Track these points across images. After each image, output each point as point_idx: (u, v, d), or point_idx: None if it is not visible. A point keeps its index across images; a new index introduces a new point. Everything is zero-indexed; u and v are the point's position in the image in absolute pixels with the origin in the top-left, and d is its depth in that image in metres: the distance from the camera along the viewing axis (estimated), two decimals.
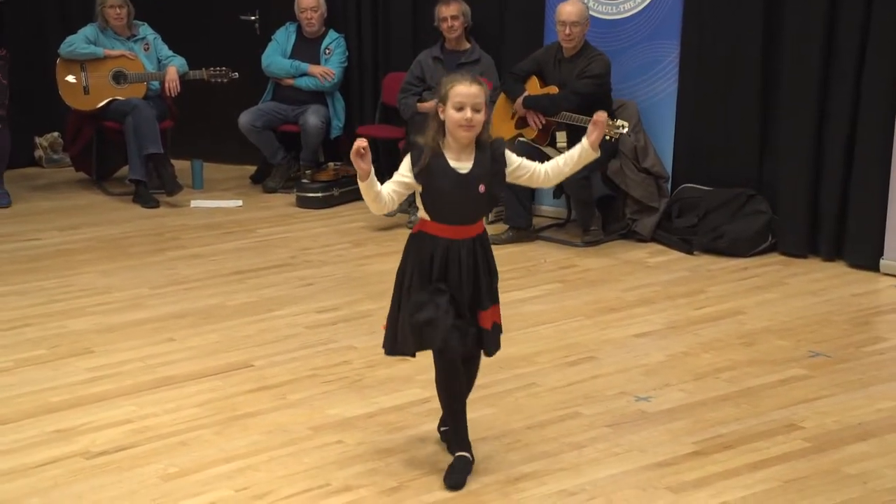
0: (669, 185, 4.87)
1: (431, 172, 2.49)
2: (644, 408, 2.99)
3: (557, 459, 2.69)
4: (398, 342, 2.62)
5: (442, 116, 2.49)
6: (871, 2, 4.09)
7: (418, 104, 5.27)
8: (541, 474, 2.62)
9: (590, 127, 2.55)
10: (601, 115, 2.55)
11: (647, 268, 4.44)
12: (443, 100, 2.48)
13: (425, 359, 3.39)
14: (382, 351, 2.69)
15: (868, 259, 4.20)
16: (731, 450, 2.73)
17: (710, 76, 4.71)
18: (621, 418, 2.93)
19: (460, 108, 2.45)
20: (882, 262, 4.17)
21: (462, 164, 2.51)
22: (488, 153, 2.53)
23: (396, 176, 2.53)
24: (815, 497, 2.48)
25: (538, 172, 2.62)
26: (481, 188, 2.50)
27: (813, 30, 4.28)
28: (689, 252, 4.58)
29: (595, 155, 2.54)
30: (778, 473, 2.60)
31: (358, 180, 2.48)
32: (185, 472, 2.64)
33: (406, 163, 2.51)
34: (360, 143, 2.43)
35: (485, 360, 3.36)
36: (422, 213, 2.55)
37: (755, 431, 2.83)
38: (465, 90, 2.45)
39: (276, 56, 5.79)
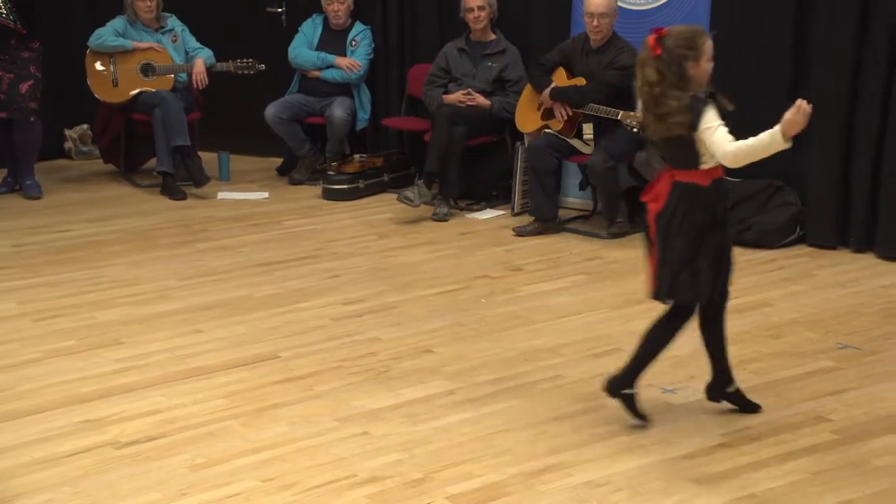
0: None
1: None
2: (670, 399, 2.98)
3: (583, 451, 2.69)
4: (697, 288, 2.68)
5: (692, 72, 2.60)
6: None
7: (444, 96, 5.27)
8: (566, 465, 2.62)
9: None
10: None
11: None
12: (696, 57, 2.59)
13: (451, 350, 3.42)
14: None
15: None
16: (758, 442, 2.71)
17: (739, 67, 4.65)
18: (647, 410, 2.91)
19: (710, 60, 2.62)
20: None
21: None
22: None
23: (722, 126, 2.58)
24: (843, 489, 2.46)
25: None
26: None
27: (844, 18, 4.21)
28: None
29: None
30: (805, 465, 2.58)
31: (780, 142, 2.51)
32: (213, 462, 2.67)
33: (714, 112, 2.58)
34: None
35: (511, 353, 3.38)
36: (715, 161, 2.63)
37: (782, 423, 2.81)
38: (711, 42, 2.63)
39: (303, 48, 5.81)
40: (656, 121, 2.65)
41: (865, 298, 3.79)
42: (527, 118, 5.01)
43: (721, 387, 2.87)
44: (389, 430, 2.84)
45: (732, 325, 3.55)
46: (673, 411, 2.91)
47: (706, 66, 2.62)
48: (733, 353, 3.31)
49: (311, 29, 5.86)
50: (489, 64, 5.26)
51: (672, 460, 2.64)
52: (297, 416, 2.94)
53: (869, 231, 4.28)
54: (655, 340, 2.79)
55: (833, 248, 4.39)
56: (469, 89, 5.21)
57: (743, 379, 3.11)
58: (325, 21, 5.84)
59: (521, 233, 4.83)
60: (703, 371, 3.17)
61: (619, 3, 4.80)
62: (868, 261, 4.23)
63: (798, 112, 2.49)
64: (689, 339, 3.46)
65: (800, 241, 4.48)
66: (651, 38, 2.63)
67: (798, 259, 4.32)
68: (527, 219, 4.96)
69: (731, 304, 3.75)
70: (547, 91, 4.80)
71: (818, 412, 2.86)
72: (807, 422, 2.81)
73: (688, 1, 4.77)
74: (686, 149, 2.64)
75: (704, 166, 2.65)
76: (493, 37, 5.31)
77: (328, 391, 3.10)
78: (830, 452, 2.64)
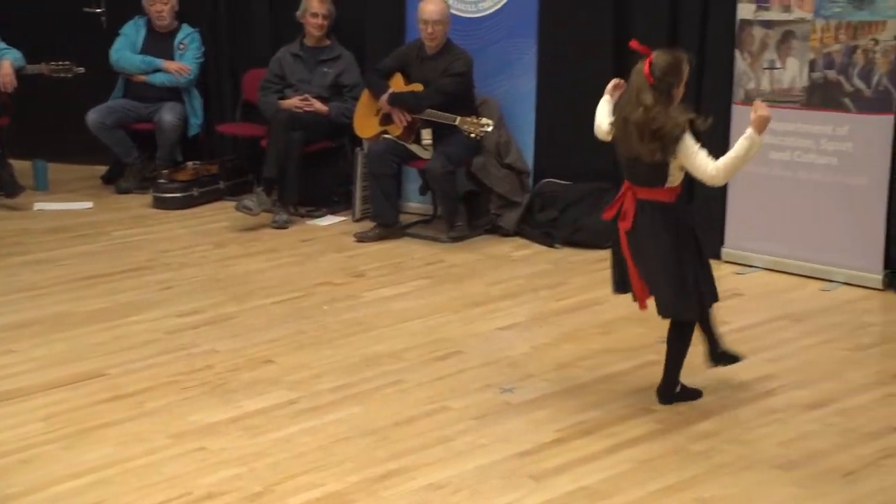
0: (531, 180, 4.98)
1: None
2: (509, 399, 3.05)
3: (425, 454, 2.70)
4: (704, 300, 2.87)
5: (675, 95, 2.77)
6: (707, 8, 4.32)
7: (280, 101, 5.17)
8: (408, 469, 2.62)
9: None
10: None
11: (512, 261, 4.53)
12: (679, 83, 2.77)
13: (292, 359, 3.35)
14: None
15: (711, 247, 4.42)
16: (590, 435, 2.81)
17: (566, 73, 4.84)
18: (487, 410, 2.97)
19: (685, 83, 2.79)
20: (723, 250, 4.42)
21: None
22: None
23: (702, 149, 2.75)
24: (665, 476, 2.59)
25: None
26: None
27: (657, 31, 4.46)
28: (551, 245, 4.71)
29: None
30: (633, 455, 2.70)
31: (758, 142, 2.69)
32: (29, 490, 2.48)
33: (692, 139, 2.73)
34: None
35: (353, 359, 3.36)
36: (678, 181, 2.81)
37: (612, 416, 2.93)
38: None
39: (126, 51, 5.54)
40: (650, 140, 2.75)
41: None
42: (365, 124, 5.00)
43: (716, 350, 3.04)
44: (227, 444, 2.75)
45: (566, 323, 3.71)
46: (511, 410, 2.98)
47: (682, 89, 2.80)
48: (568, 350, 3.45)
49: (133, 31, 5.59)
50: (325, 69, 5.22)
51: (510, 458, 2.69)
52: (126, 435, 2.78)
53: None
54: (678, 346, 2.93)
55: None
56: (306, 95, 5.15)
57: (576, 375, 3.24)
58: (149, 23, 5.60)
59: (362, 238, 4.81)
60: (541, 370, 3.27)
61: (452, 11, 4.88)
62: None
63: (762, 108, 2.69)
64: (525, 339, 3.57)
65: None
66: (645, 69, 2.76)
67: None
68: (368, 224, 4.95)
69: (565, 303, 3.95)
70: (385, 97, 4.81)
71: (644, 403, 3.01)
72: (634, 413, 2.95)
73: (517, 9, 4.92)
74: (658, 169, 2.78)
75: (669, 185, 2.80)
76: (327, 42, 5.27)
77: (161, 407, 2.97)
78: (655, 441, 2.78)
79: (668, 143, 2.73)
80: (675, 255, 2.80)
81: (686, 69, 2.79)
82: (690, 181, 2.97)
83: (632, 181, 2.87)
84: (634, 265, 2.88)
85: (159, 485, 2.51)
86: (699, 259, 2.87)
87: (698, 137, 2.77)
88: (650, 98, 2.74)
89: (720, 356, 3.08)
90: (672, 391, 2.98)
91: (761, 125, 2.68)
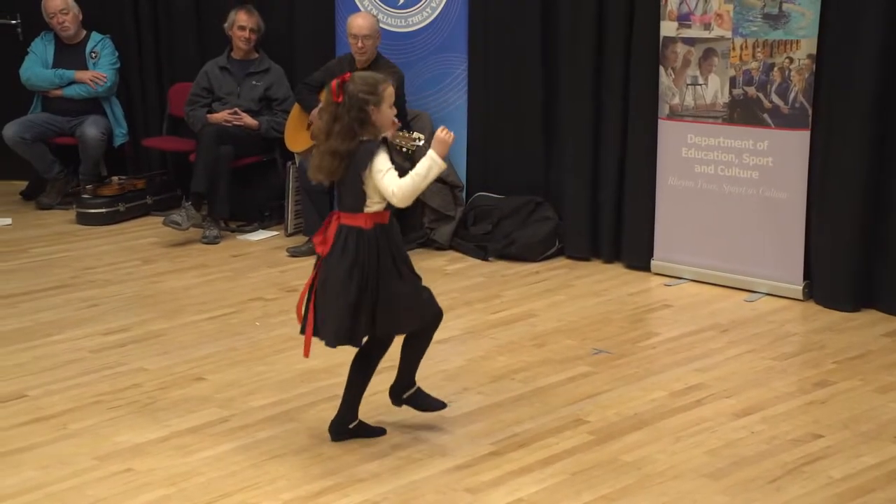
0: (464, 194, 5.01)
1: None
2: (444, 412, 3.04)
3: (360, 470, 2.68)
4: (402, 322, 2.78)
5: (374, 116, 2.66)
6: (632, 25, 4.43)
7: (208, 115, 5.10)
8: (343, 486, 2.60)
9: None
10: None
11: (446, 275, 4.54)
12: (377, 102, 2.66)
13: (223, 376, 3.29)
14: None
15: (641, 260, 4.54)
16: (524, 448, 2.83)
17: (497, 89, 4.90)
18: (423, 424, 2.96)
19: (391, 106, 2.70)
20: (653, 262, 4.52)
21: None
22: None
23: (392, 170, 2.67)
24: (598, 486, 2.62)
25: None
26: None
27: (584, 45, 4.56)
28: (485, 258, 4.74)
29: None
30: (566, 467, 2.72)
31: (439, 164, 2.67)
32: None
33: (385, 156, 2.67)
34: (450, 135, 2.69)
35: (287, 375, 3.32)
36: (378, 206, 2.70)
37: (546, 428, 2.95)
38: (392, 89, 2.70)
39: (36, 68, 5.39)
40: (330, 160, 2.65)
41: (615, 306, 4.11)
42: (296, 138, 4.97)
43: (346, 424, 2.87)
44: (156, 464, 2.68)
45: (501, 336, 3.74)
46: (447, 424, 2.98)
47: (388, 112, 2.69)
48: (503, 363, 3.47)
49: (41, 47, 5.46)
50: (254, 82, 5.17)
51: (445, 472, 2.69)
52: (48, 458, 2.69)
53: (616, 243, 4.66)
54: (358, 378, 2.85)
55: (587, 259, 4.73)
56: (236, 108, 5.09)
57: (511, 388, 3.26)
58: (57, 37, 5.45)
59: (295, 253, 4.77)
60: (476, 383, 3.29)
61: (382, 25, 4.89)
62: (616, 270, 4.59)
63: (444, 133, 2.69)
64: (460, 353, 3.58)
65: (559, 253, 4.78)
66: (334, 84, 2.66)
67: (558, 271, 4.61)
68: (301, 239, 4.91)
69: (499, 316, 3.98)
70: (315, 111, 4.79)
71: (577, 415, 3.04)
72: (567, 425, 2.98)
73: (447, 24, 4.97)
74: (354, 191, 2.66)
75: (368, 210, 2.68)
76: (256, 55, 5.23)
77: (85, 428, 2.88)
78: (587, 453, 2.81)
79: (352, 163, 2.63)
80: (350, 282, 2.65)
81: (385, 91, 2.67)
82: None
83: (338, 207, 2.80)
84: (316, 293, 2.72)
85: None
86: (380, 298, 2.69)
87: (397, 159, 2.70)
88: (331, 117, 2.64)
89: (404, 398, 2.90)
90: (348, 424, 2.85)
91: (439, 149, 2.67)
